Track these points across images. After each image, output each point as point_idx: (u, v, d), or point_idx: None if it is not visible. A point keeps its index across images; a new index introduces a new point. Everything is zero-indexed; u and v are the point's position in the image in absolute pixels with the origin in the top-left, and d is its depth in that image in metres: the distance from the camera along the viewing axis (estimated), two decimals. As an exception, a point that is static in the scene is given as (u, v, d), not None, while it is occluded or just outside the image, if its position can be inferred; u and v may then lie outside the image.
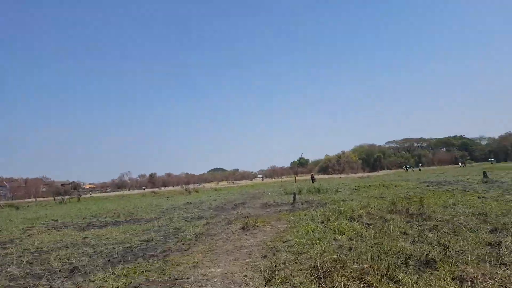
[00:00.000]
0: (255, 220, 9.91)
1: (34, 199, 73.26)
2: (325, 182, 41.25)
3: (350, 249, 5.78)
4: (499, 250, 5.18)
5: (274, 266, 4.88)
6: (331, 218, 9.37)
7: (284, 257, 5.60)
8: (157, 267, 5.78)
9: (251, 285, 4.30)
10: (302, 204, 14.79)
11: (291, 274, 4.51)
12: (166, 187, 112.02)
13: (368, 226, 7.86)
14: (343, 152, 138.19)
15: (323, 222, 8.92)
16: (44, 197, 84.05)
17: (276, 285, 4.05)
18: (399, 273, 4.16)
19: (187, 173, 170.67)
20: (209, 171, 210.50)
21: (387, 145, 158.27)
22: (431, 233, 6.57)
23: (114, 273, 5.54)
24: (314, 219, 9.67)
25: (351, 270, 4.27)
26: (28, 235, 11.29)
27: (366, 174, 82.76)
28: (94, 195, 77.94)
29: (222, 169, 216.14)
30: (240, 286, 4.36)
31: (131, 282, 4.98)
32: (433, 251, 5.13)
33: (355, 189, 22.37)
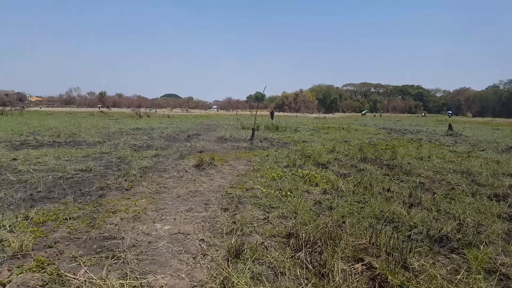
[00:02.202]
0: (211, 156, 8.78)
1: (-27, 108, 66.47)
2: (282, 119, 40.67)
3: (331, 208, 4.82)
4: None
5: (240, 229, 3.80)
6: (297, 162, 8.47)
7: (250, 213, 4.53)
8: (86, 213, 4.49)
9: (209, 258, 3.18)
10: (260, 141, 13.91)
11: (263, 244, 3.44)
12: (116, 108, 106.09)
13: (344, 177, 7.00)
14: (301, 91, 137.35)
15: (288, 167, 8.00)
16: (-15, 107, 75.88)
17: (246, 265, 2.94)
18: (411, 256, 3.16)
19: (139, 95, 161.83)
20: (162, 96, 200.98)
21: (345, 88, 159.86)
22: (424, 195, 5.68)
23: (28, 218, 4.19)
24: (278, 162, 8.72)
25: (345, 245, 3.26)
26: None
27: (322, 115, 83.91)
28: (42, 109, 71.75)
29: (176, 96, 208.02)
30: (194, 258, 3.21)
31: (46, 236, 3.68)
32: (447, 225, 4.14)
33: (314, 130, 21.92)
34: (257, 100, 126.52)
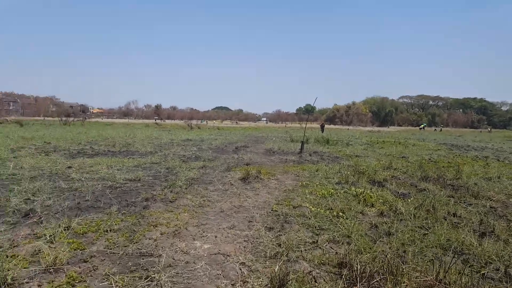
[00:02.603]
0: (257, 169, 8.47)
1: (42, 118, 74.66)
2: (333, 132, 39.55)
3: (389, 233, 4.24)
4: None
5: (285, 253, 3.38)
6: (350, 179, 7.87)
7: (297, 235, 4.10)
8: (127, 225, 4.36)
9: (250, 287, 2.79)
10: (310, 155, 13.35)
11: (311, 273, 2.99)
12: (170, 120, 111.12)
13: (403, 197, 6.30)
14: (353, 103, 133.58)
15: (340, 184, 7.43)
16: (52, 117, 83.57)
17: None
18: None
19: (192, 108, 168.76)
20: (214, 108, 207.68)
21: (401, 100, 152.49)
22: (497, 222, 4.86)
23: (69, 228, 4.13)
24: (328, 177, 8.17)
25: (407, 282, 2.70)
26: (14, 157, 10.15)
27: (376, 128, 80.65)
28: (103, 119, 77.92)
29: (226, 108, 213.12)
30: (233, 285, 2.84)
31: (83, 249, 3.54)
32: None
33: (368, 144, 20.86)
34: (307, 112, 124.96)
